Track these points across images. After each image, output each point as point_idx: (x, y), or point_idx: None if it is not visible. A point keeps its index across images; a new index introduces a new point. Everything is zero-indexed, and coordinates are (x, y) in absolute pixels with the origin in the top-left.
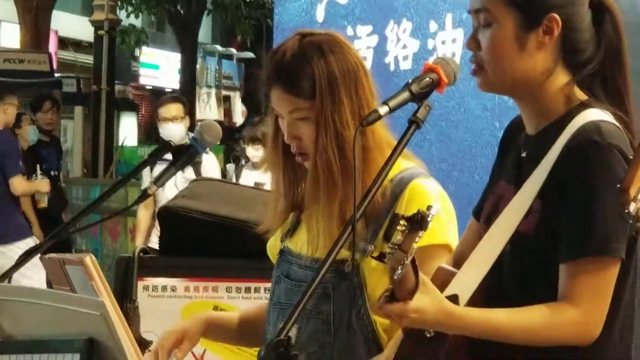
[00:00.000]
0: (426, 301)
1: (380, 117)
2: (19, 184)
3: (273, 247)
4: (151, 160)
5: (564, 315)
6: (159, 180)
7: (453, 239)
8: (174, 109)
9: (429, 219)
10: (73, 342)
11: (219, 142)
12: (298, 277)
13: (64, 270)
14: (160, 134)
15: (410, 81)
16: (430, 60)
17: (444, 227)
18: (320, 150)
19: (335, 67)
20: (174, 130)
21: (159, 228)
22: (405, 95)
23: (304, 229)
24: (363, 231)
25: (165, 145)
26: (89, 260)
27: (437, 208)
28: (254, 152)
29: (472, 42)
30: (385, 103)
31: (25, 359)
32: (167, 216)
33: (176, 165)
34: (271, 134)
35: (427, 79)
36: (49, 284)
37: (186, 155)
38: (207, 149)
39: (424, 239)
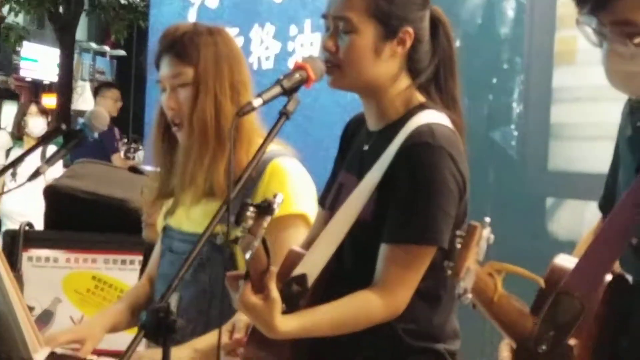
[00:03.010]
0: (259, 310)
1: (254, 108)
2: None
3: (159, 223)
4: (43, 142)
5: (371, 306)
6: (50, 161)
7: (309, 210)
8: None
9: (274, 206)
10: None
11: (106, 128)
12: (179, 249)
13: None
14: None
15: (282, 77)
16: (300, 59)
17: (301, 199)
18: (199, 110)
19: (221, 45)
20: None
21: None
22: (277, 89)
23: (182, 207)
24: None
25: (56, 129)
26: None
27: (282, 196)
28: None
29: (332, 44)
30: (259, 95)
31: None
32: (52, 194)
33: (66, 147)
34: (156, 118)
35: (297, 75)
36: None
37: (76, 138)
38: (95, 134)
39: (282, 209)
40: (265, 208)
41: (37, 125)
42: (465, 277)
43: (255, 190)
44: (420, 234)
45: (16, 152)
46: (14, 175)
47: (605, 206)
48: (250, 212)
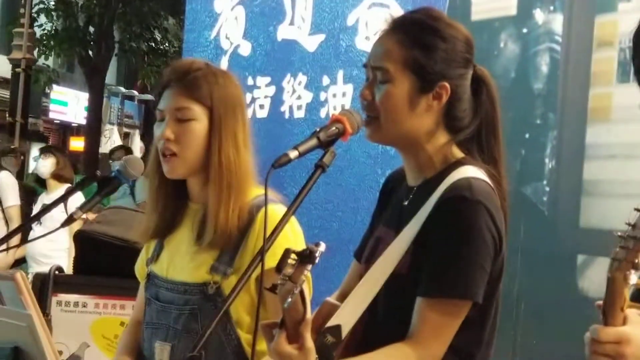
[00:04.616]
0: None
1: (290, 160)
2: None
3: (141, 270)
4: (79, 188)
5: (405, 358)
6: (84, 207)
7: None
8: None
9: (316, 254)
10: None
11: (141, 174)
12: (166, 299)
13: None
14: None
15: (318, 129)
16: (335, 111)
17: (292, 245)
18: (224, 153)
19: (232, 89)
20: None
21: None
22: (314, 142)
23: (167, 254)
24: (216, 252)
25: (92, 175)
26: (20, 276)
27: (324, 245)
28: None
29: (368, 93)
30: (295, 148)
31: None
32: (82, 239)
33: (101, 194)
34: (153, 153)
35: (334, 128)
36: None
37: (110, 185)
38: (130, 180)
39: (271, 262)
40: (306, 256)
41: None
42: None
43: (247, 238)
44: (456, 288)
45: (42, 197)
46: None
47: None
48: (292, 259)
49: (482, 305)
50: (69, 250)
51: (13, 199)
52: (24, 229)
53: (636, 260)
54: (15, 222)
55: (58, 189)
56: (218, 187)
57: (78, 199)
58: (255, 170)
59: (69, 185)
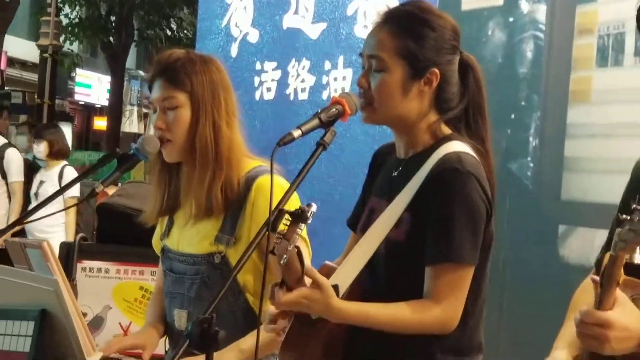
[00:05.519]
0: (315, 296)
1: (294, 138)
2: None
3: (156, 244)
4: (99, 165)
5: (428, 311)
6: (105, 181)
7: None
8: None
9: (308, 214)
10: (29, 312)
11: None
12: (179, 270)
13: (25, 252)
14: None
15: (319, 110)
16: (335, 94)
17: None
18: (200, 134)
19: (214, 73)
20: None
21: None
22: (315, 122)
23: (177, 228)
24: (219, 224)
25: (111, 153)
26: (46, 245)
27: (317, 205)
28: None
29: (364, 82)
30: (299, 127)
31: None
32: (104, 211)
33: (120, 170)
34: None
35: (334, 109)
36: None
37: (129, 162)
38: (148, 157)
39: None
40: (298, 215)
41: (37, 151)
42: None
43: (244, 207)
44: (461, 254)
45: (40, 173)
46: (36, 195)
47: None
48: (285, 219)
49: (479, 265)
50: (64, 225)
51: (17, 175)
52: (26, 208)
53: None
54: (18, 197)
55: (55, 167)
56: (189, 166)
57: (71, 173)
58: (244, 146)
59: (64, 162)
